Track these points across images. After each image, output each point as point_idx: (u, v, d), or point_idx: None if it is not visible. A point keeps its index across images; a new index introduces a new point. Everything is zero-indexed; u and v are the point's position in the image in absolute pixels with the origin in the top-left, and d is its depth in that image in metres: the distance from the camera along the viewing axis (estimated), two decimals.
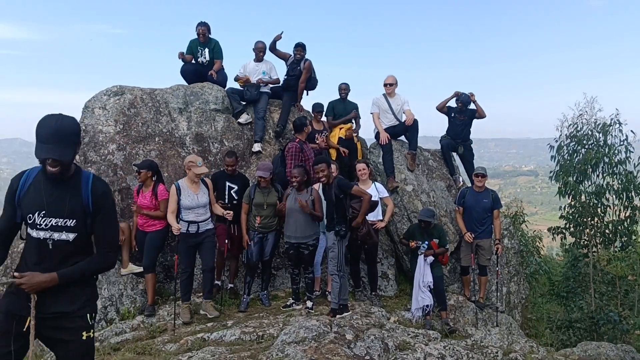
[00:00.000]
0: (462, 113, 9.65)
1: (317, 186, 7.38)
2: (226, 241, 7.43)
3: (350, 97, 9.60)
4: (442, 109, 9.82)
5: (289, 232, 7.11)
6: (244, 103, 9.10)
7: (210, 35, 9.27)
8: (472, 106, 9.70)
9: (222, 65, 9.42)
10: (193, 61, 9.27)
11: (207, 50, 9.22)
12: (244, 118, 8.95)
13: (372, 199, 7.64)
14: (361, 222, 6.81)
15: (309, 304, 7.20)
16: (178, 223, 6.66)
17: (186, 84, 9.17)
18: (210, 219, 6.95)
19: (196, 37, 9.18)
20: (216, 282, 7.65)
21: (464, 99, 9.54)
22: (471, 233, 8.13)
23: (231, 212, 7.01)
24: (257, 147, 8.76)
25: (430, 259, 7.51)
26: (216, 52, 9.27)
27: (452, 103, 9.78)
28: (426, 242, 7.57)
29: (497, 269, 8.50)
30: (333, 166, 7.48)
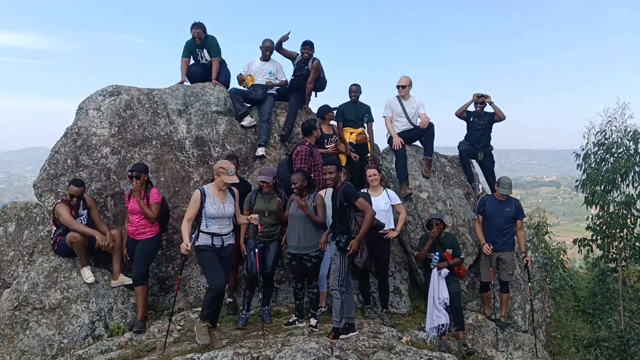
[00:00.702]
0: (481, 117, 9.06)
1: (324, 192, 6.87)
2: None
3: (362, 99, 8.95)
4: (462, 114, 9.25)
5: (291, 242, 6.61)
6: (247, 105, 8.56)
7: (206, 34, 8.72)
8: (489, 109, 9.11)
9: (224, 60, 8.94)
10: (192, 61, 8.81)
11: (205, 51, 8.73)
12: (247, 121, 8.41)
13: (383, 207, 7.09)
14: (357, 247, 6.02)
15: (313, 321, 6.65)
16: (197, 235, 5.96)
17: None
18: (232, 233, 6.29)
19: (191, 39, 8.64)
20: (229, 299, 7.17)
21: (482, 97, 9.01)
22: (490, 245, 7.51)
23: (257, 215, 6.34)
24: (260, 151, 8.22)
25: (445, 272, 6.92)
26: (213, 49, 8.73)
27: (471, 107, 9.21)
28: (437, 253, 6.98)
29: (529, 285, 7.93)
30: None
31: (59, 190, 7.25)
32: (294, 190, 6.56)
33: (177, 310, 7.10)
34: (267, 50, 8.70)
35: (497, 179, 7.94)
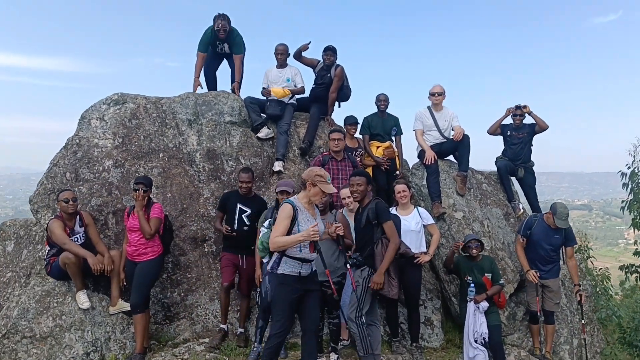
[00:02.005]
0: (520, 130, 8.26)
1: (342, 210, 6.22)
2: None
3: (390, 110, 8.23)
4: (495, 130, 8.48)
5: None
6: (264, 115, 7.87)
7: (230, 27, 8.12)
8: (528, 120, 8.35)
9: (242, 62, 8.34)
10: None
11: (226, 45, 8.17)
12: (264, 132, 7.72)
13: (414, 227, 6.32)
14: (381, 281, 5.37)
15: (334, 357, 5.91)
16: (277, 260, 4.92)
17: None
18: None
19: (212, 30, 8.00)
20: (221, 325, 6.39)
21: (518, 108, 8.24)
22: (536, 271, 6.69)
23: (340, 224, 5.48)
24: (278, 166, 7.51)
25: (485, 306, 6.12)
26: (237, 45, 8.15)
27: (507, 120, 8.44)
28: (472, 285, 6.19)
29: (582, 322, 7.07)
30: (345, 191, 6.20)
31: (57, 206, 6.64)
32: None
33: (182, 341, 6.39)
34: (280, 54, 8.01)
35: (551, 206, 6.96)
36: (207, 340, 6.32)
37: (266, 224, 5.43)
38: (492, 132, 8.55)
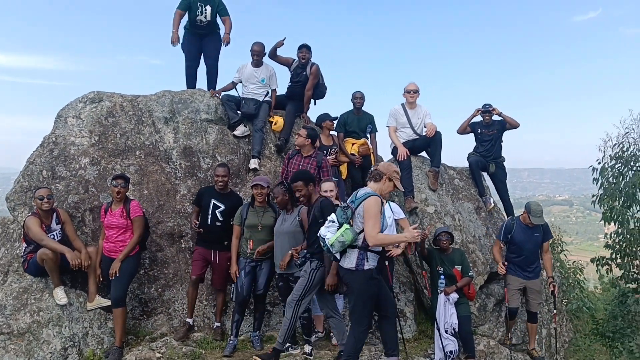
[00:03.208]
0: (489, 127, 8.49)
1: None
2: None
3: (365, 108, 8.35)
4: (465, 129, 8.73)
5: (276, 261, 6.04)
6: (239, 112, 7.96)
7: None
8: (498, 117, 8.62)
9: (219, 28, 8.38)
10: (186, 19, 8.17)
11: (208, 7, 8.04)
12: (240, 130, 7.81)
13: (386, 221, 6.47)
14: (334, 283, 5.36)
15: (307, 348, 6.05)
16: (362, 256, 4.97)
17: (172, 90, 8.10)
18: None
19: None
20: (187, 319, 6.53)
21: (485, 108, 8.50)
22: (504, 263, 6.97)
23: (417, 225, 5.67)
24: (254, 163, 7.61)
25: (454, 297, 6.31)
26: (221, 8, 8.16)
27: (476, 118, 8.71)
28: (443, 277, 6.37)
29: (553, 311, 7.31)
30: (329, 184, 6.33)
31: (33, 203, 6.69)
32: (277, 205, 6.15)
33: (159, 335, 6.49)
34: (256, 54, 7.96)
35: (525, 205, 7.07)
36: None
37: (333, 220, 5.07)
38: (461, 131, 8.76)
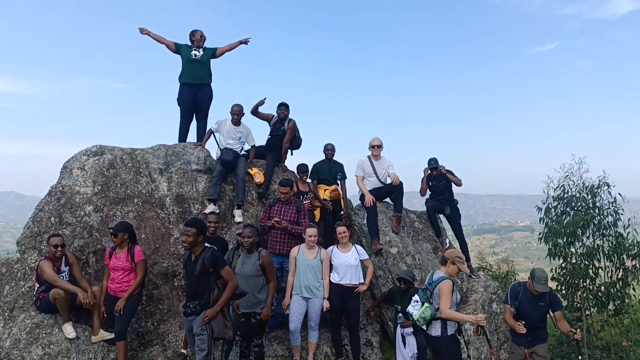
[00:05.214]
0: (438, 179, 9.69)
1: (329, 251, 7.55)
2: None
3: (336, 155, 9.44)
4: (425, 190, 9.88)
5: (242, 302, 6.63)
6: (217, 192, 8.55)
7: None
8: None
9: (210, 82, 9.39)
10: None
11: (200, 50, 9.24)
12: (210, 208, 8.25)
13: (353, 262, 7.43)
14: (212, 316, 5.63)
15: None
16: (444, 324, 6.00)
17: (168, 144, 9.00)
18: None
19: (187, 43, 9.22)
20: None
21: (431, 165, 9.62)
22: (521, 323, 6.71)
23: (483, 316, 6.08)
24: (238, 216, 8.42)
25: (408, 331, 7.28)
26: (212, 50, 9.32)
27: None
28: (400, 315, 7.37)
29: (579, 357, 7.41)
30: (311, 230, 7.31)
31: (42, 247, 7.46)
32: (245, 245, 6.57)
33: None
34: (236, 114, 8.93)
35: (531, 272, 6.87)
36: None
37: (417, 300, 6.15)
38: (423, 193, 9.89)
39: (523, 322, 6.63)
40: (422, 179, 9.84)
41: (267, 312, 6.42)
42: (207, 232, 6.52)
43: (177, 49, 9.18)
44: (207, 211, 8.14)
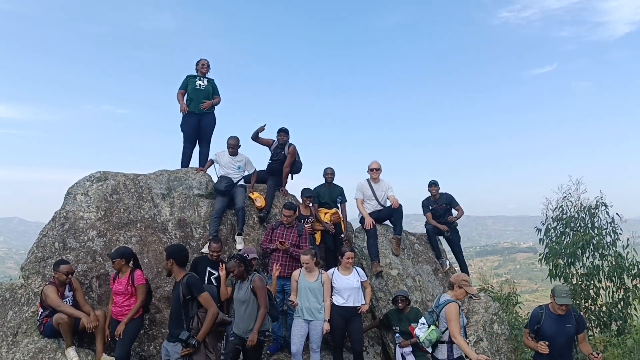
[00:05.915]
0: (438, 202, 9.82)
1: (330, 273, 7.58)
2: None
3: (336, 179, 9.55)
4: (431, 218, 9.88)
5: (234, 325, 6.69)
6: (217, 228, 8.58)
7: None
8: (444, 190, 9.92)
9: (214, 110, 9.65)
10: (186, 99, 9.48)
11: (205, 79, 9.52)
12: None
13: (355, 284, 7.48)
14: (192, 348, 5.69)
15: None
16: (450, 349, 6.03)
17: (170, 169, 9.16)
18: None
19: (194, 73, 9.52)
20: None
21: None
22: (544, 342, 6.26)
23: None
24: (239, 243, 8.43)
25: (408, 350, 7.32)
26: (215, 88, 9.56)
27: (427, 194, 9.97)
28: (398, 335, 7.42)
29: None
30: (305, 258, 7.33)
31: (46, 272, 7.54)
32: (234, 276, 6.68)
33: None
34: (232, 147, 9.01)
35: (551, 290, 6.49)
36: None
37: (423, 322, 6.26)
38: (430, 221, 9.87)
39: (547, 343, 6.19)
40: (427, 216, 9.90)
41: (253, 337, 6.29)
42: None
43: (184, 84, 9.47)
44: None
